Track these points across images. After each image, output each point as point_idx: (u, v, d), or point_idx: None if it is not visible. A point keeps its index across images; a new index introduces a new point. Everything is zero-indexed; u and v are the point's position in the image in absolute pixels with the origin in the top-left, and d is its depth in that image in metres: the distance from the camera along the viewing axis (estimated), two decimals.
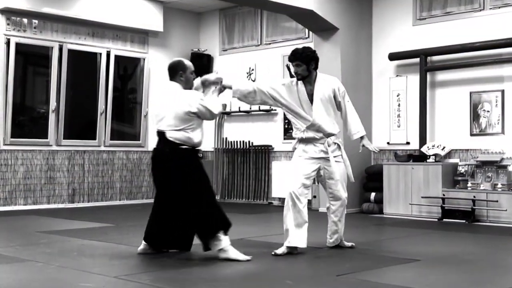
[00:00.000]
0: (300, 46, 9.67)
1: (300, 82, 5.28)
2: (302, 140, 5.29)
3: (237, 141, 10.63)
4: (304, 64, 5.21)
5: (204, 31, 11.36)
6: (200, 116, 4.95)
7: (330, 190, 5.34)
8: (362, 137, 5.40)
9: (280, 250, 5.12)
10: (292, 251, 5.13)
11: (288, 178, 5.27)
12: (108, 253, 5.27)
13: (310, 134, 5.24)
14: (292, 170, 5.26)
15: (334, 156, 5.28)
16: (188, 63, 5.15)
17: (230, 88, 5.25)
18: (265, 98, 5.33)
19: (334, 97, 5.32)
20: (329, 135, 5.27)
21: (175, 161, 4.94)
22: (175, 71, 5.08)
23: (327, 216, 5.43)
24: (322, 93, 5.27)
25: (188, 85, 5.08)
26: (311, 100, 5.25)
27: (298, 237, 5.11)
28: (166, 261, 4.82)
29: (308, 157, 5.22)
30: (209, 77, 5.21)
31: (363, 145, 5.42)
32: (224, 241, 4.84)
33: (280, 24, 10.21)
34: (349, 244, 5.52)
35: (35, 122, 9.62)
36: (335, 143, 5.32)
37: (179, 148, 4.94)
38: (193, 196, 4.89)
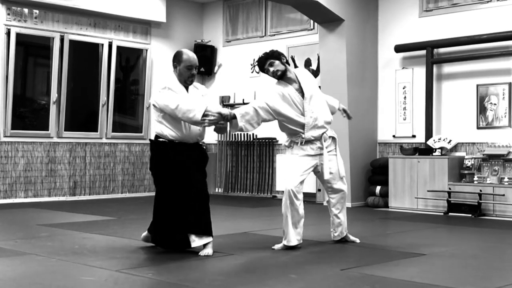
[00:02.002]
0: (304, 38, 9.82)
1: (284, 83, 5.14)
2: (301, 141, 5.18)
3: (240, 134, 10.56)
4: (276, 59, 5.12)
5: (208, 22, 11.28)
6: (162, 110, 4.78)
7: (328, 185, 5.28)
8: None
9: (278, 246, 5.10)
10: (292, 247, 5.10)
11: (285, 175, 5.17)
12: (110, 246, 5.22)
13: (310, 134, 5.12)
14: (289, 167, 5.17)
15: (329, 151, 5.21)
16: (186, 57, 4.84)
17: (234, 117, 4.96)
18: (267, 114, 5.08)
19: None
20: (327, 124, 5.19)
21: (151, 155, 4.97)
22: (172, 62, 4.92)
23: (328, 210, 5.38)
24: (310, 85, 5.19)
25: (181, 79, 4.87)
26: (303, 97, 5.13)
27: (295, 236, 5.09)
28: (169, 255, 4.77)
29: (305, 155, 5.14)
30: (211, 111, 4.79)
31: (343, 109, 5.47)
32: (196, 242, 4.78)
33: (285, 15, 10.13)
34: (355, 239, 5.44)
35: (35, 113, 9.56)
36: (330, 137, 5.24)
37: (157, 141, 4.89)
38: (158, 194, 4.92)
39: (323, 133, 5.15)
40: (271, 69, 5.12)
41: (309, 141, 5.13)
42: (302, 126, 5.12)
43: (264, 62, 5.15)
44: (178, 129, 4.83)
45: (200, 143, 5.04)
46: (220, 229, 6.16)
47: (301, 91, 5.13)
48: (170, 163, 4.82)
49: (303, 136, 5.12)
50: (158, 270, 4.21)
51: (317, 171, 5.24)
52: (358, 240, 5.43)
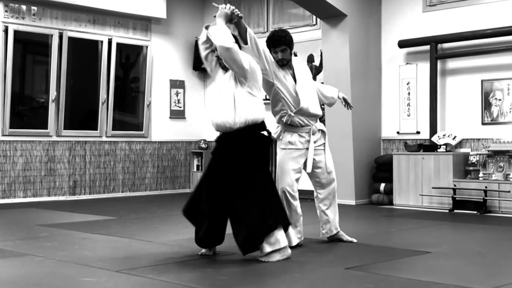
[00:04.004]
0: (307, 34, 9.71)
1: (283, 67, 5.03)
2: (287, 129, 5.05)
3: None
4: (289, 48, 4.99)
5: (209, 17, 11.15)
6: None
7: (317, 179, 5.17)
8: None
9: None
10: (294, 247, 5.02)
11: (279, 174, 5.01)
12: (110, 246, 5.17)
13: (297, 119, 5.00)
14: (281, 166, 5.02)
15: (318, 145, 5.11)
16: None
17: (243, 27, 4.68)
18: (267, 63, 4.85)
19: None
20: (315, 116, 5.10)
21: None
22: None
23: (315, 206, 5.25)
24: (304, 74, 5.11)
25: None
26: (296, 83, 5.04)
27: (296, 235, 5.02)
28: (170, 255, 4.72)
29: (294, 149, 5.03)
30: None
31: (343, 98, 5.42)
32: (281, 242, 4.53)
33: (287, 10, 10.05)
34: (350, 238, 5.29)
35: (34, 112, 9.48)
36: (319, 130, 5.15)
37: None
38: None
39: (310, 125, 5.04)
40: (281, 55, 4.97)
41: (297, 132, 5.01)
42: (296, 103, 4.97)
43: (278, 44, 4.95)
44: (215, 117, 4.56)
45: (244, 126, 4.47)
46: None
47: (294, 78, 5.04)
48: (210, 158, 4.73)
49: (292, 114, 4.97)
50: (159, 271, 4.14)
51: (306, 165, 5.12)
52: (355, 240, 5.28)
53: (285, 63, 5.00)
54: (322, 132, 5.18)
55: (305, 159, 5.07)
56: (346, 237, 5.28)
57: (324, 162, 5.14)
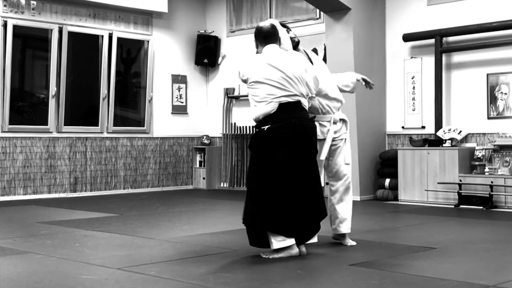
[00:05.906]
0: (310, 27, 9.65)
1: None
2: None
3: (246, 127, 10.41)
4: (290, 31, 5.01)
5: (211, 11, 11.14)
6: None
7: (329, 168, 4.97)
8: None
9: None
10: None
11: None
12: (112, 244, 5.11)
13: (317, 102, 4.86)
14: None
15: (340, 135, 4.96)
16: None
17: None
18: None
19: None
20: (336, 101, 4.96)
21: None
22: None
23: (328, 199, 5.03)
24: (319, 60, 5.07)
25: None
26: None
27: None
28: (172, 253, 4.67)
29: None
30: None
31: (362, 78, 5.26)
32: (274, 244, 4.39)
33: (290, 4, 9.99)
34: (352, 243, 5.00)
35: (34, 108, 9.41)
36: (341, 120, 4.99)
37: None
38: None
39: (331, 113, 4.91)
40: (290, 34, 4.95)
41: (318, 121, 4.86)
42: (316, 83, 4.79)
43: (285, 27, 4.97)
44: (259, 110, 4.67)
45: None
46: (224, 224, 6.11)
47: (310, 61, 4.95)
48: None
49: (313, 96, 4.80)
50: (161, 268, 4.09)
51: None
52: (354, 243, 5.00)
53: (296, 41, 4.96)
54: (344, 121, 5.03)
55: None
56: (348, 242, 4.98)
57: (342, 152, 4.95)
